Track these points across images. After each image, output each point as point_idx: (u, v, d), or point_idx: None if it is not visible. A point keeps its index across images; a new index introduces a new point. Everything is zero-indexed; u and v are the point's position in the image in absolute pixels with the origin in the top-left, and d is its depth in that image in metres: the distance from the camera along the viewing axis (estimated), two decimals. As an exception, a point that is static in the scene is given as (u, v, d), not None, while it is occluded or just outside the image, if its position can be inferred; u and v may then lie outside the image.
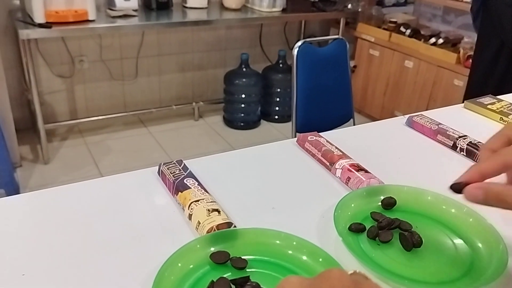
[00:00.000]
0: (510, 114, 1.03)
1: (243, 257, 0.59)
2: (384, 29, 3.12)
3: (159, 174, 0.78)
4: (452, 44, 2.93)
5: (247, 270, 0.58)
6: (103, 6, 2.68)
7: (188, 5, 2.86)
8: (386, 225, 0.66)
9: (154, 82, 3.12)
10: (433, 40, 2.92)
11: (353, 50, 3.32)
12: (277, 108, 3.19)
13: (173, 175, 0.75)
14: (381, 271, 0.59)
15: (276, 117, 3.21)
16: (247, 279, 0.55)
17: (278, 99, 3.17)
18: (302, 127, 2.18)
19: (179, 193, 0.71)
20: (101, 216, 0.68)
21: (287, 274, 0.56)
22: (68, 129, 2.95)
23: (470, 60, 2.69)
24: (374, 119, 3.26)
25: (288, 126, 2.25)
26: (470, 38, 2.94)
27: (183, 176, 0.74)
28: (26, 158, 2.64)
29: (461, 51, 2.78)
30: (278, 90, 3.13)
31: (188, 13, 2.83)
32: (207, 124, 3.19)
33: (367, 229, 0.66)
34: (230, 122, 3.13)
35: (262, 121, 3.21)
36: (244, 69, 3.01)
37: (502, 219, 0.70)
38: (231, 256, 0.59)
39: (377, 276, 0.60)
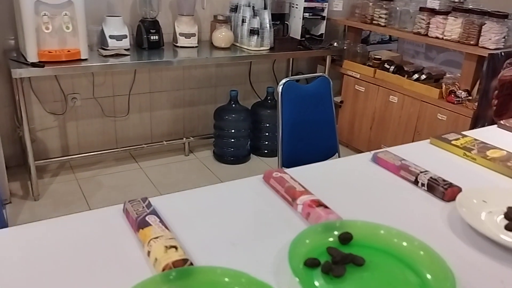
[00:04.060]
0: (473, 149, 1.08)
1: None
2: (369, 65, 3.22)
3: (124, 212, 0.81)
4: (434, 79, 3.02)
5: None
6: (96, 46, 2.77)
7: (179, 44, 2.95)
8: (340, 260, 0.69)
9: (146, 118, 3.18)
10: (416, 76, 3.01)
11: (339, 86, 3.41)
12: (266, 143, 3.25)
13: (136, 213, 0.78)
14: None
15: (266, 151, 3.26)
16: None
17: (267, 134, 3.23)
18: (288, 162, 2.22)
19: (140, 230, 0.74)
20: (67, 254, 0.70)
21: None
22: (59, 165, 2.99)
23: (452, 96, 2.77)
24: (361, 152, 3.30)
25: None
26: (452, 74, 3.03)
27: (145, 213, 0.78)
28: (16, 195, 2.66)
29: (443, 86, 2.86)
30: (267, 125, 3.19)
31: (179, 52, 2.92)
32: (198, 159, 3.23)
33: (321, 264, 0.69)
34: (220, 156, 3.18)
35: (252, 155, 3.25)
36: (233, 105, 3.08)
37: (453, 253, 0.74)
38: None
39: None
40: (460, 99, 2.77)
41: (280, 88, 2.27)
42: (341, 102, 3.37)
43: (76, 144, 3.01)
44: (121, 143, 3.12)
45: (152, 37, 2.85)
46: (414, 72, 3.05)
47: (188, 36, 2.95)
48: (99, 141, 3.06)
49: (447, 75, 3.02)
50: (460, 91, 2.80)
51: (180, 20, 2.93)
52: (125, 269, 0.68)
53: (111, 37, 2.72)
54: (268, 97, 3.20)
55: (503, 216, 0.83)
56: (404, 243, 0.71)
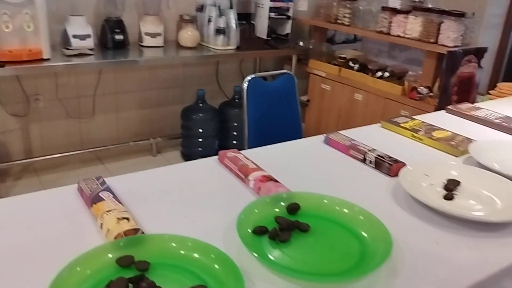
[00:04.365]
0: (420, 130, 1.12)
1: (147, 261, 0.62)
2: (334, 64, 3.28)
3: (78, 190, 0.81)
4: (397, 77, 3.09)
5: (152, 272, 0.61)
6: (59, 46, 2.72)
7: (144, 44, 2.93)
8: (286, 227, 0.71)
9: (112, 119, 3.14)
10: (379, 73, 3.08)
11: (306, 85, 3.46)
12: (234, 142, 3.25)
13: (90, 190, 0.78)
14: (277, 267, 0.63)
15: (234, 151, 3.27)
16: (142, 277, 0.58)
17: (235, 133, 3.23)
18: (254, 158, 2.23)
19: (94, 205, 0.74)
20: (21, 231, 0.70)
21: (185, 274, 0.60)
22: (22, 168, 2.91)
23: (414, 92, 2.85)
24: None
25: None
26: (414, 72, 3.12)
27: (99, 190, 0.78)
28: (-24, 198, 2.58)
29: (406, 83, 2.94)
30: (235, 124, 3.20)
31: (145, 51, 2.90)
32: (166, 160, 3.20)
33: (269, 231, 0.70)
34: (188, 156, 3.16)
35: (220, 155, 3.25)
36: (200, 105, 3.08)
37: (394, 220, 0.77)
38: (135, 260, 0.62)
39: (274, 272, 0.63)
40: (421, 95, 2.85)
41: (245, 85, 2.28)
42: (308, 100, 3.42)
43: (39, 146, 2.94)
44: (86, 145, 3.07)
45: (117, 37, 2.82)
46: (377, 70, 3.11)
47: (153, 35, 2.94)
48: (64, 143, 3.01)
49: (410, 73, 3.10)
50: (422, 87, 2.88)
51: (146, 20, 2.92)
52: (79, 242, 0.68)
53: (74, 36, 2.67)
54: (236, 96, 3.21)
55: (442, 187, 0.87)
56: (346, 210, 0.75)
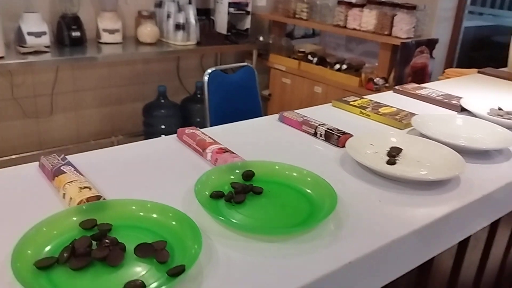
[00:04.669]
0: (368, 107, 1.19)
1: (110, 223, 0.65)
2: (294, 58, 3.34)
3: (40, 167, 0.82)
4: (355, 69, 3.19)
5: (114, 233, 0.64)
6: (13, 44, 2.66)
7: (102, 40, 2.91)
8: (241, 190, 0.75)
9: (71, 118, 3.09)
10: (337, 66, 3.17)
11: (267, 80, 3.52)
12: (198, 138, 3.27)
13: (51, 165, 0.80)
14: (232, 224, 0.67)
15: (198, 146, 3.28)
16: (105, 234, 0.61)
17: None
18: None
19: (56, 178, 0.76)
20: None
21: (145, 233, 0.63)
22: (-22, 170, 2.83)
23: (371, 83, 2.96)
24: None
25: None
26: (370, 64, 3.23)
27: (61, 164, 0.80)
28: None
29: (363, 75, 3.04)
30: (198, 119, 3.21)
31: (103, 48, 2.88)
32: (129, 157, 3.18)
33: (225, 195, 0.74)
34: (152, 153, 3.15)
35: (184, 151, 3.26)
36: (162, 101, 3.08)
37: (340, 182, 0.82)
38: (98, 223, 0.65)
39: (230, 229, 0.67)
40: (378, 86, 2.95)
41: (206, 78, 2.31)
42: (269, 95, 3.48)
43: (-5, 148, 2.87)
44: (45, 145, 3.01)
45: (73, 34, 2.79)
46: (336, 63, 3.20)
47: (112, 32, 2.91)
48: (21, 143, 2.94)
49: (366, 65, 3.20)
50: (378, 78, 2.99)
51: (103, 16, 2.90)
52: (42, 212, 0.69)
53: (29, 33, 2.62)
54: (198, 92, 3.23)
55: (386, 154, 0.93)
56: (295, 174, 0.80)
